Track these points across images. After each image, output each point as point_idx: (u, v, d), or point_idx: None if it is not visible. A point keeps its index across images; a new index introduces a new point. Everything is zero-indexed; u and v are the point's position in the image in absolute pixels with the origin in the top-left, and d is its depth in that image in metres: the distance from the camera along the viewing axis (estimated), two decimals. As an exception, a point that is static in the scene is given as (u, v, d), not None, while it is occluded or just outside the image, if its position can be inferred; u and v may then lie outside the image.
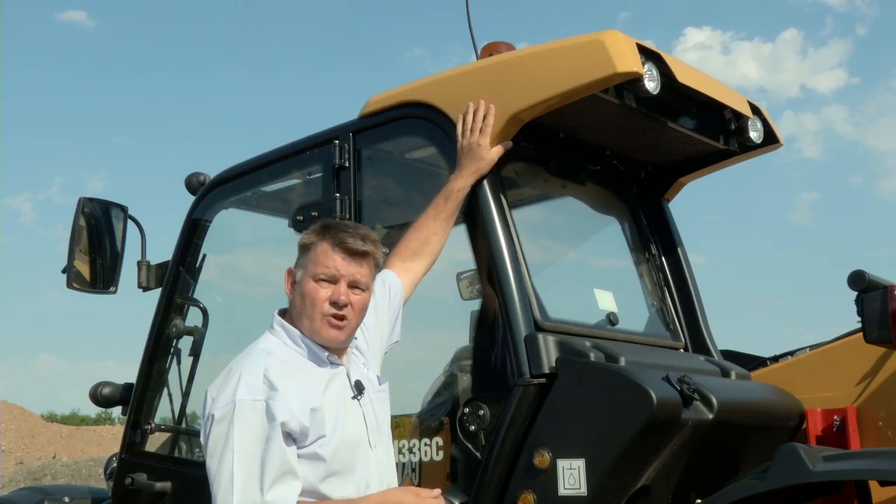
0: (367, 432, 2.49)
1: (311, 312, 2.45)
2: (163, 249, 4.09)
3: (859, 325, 3.26)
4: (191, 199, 3.98)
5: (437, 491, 2.40)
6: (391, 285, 2.91)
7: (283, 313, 2.56)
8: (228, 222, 4.00)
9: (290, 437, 2.32)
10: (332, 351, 2.50)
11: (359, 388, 2.53)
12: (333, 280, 2.46)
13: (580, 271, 3.92)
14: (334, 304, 2.45)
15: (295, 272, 2.53)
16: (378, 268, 2.59)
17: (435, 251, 3.07)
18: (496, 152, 3.06)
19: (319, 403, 2.37)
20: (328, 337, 2.46)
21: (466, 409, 3.00)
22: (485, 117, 3.04)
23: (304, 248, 2.52)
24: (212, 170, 4.06)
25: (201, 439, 2.39)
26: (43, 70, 57.84)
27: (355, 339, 2.64)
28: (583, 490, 2.66)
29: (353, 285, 2.47)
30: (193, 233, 3.91)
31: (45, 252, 55.79)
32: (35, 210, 62.26)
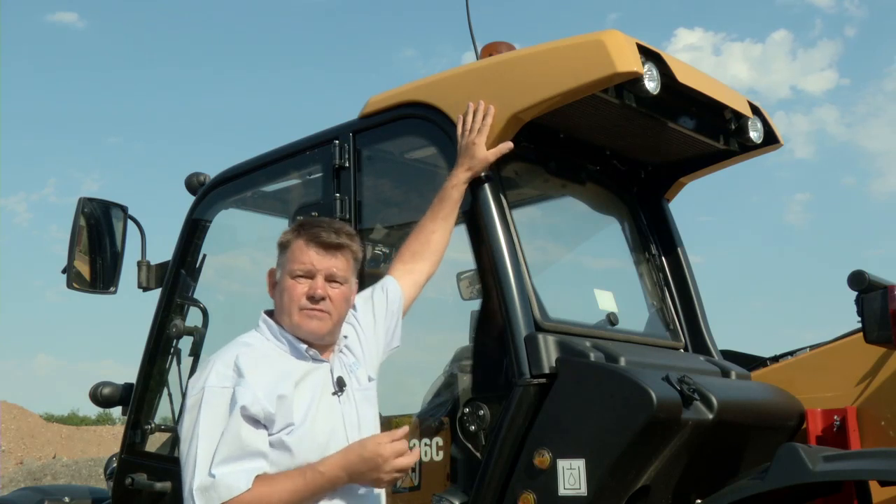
0: (344, 429, 2.48)
1: (289, 308, 2.48)
2: (163, 249, 4.10)
3: (859, 325, 3.27)
4: (190, 199, 3.98)
5: (401, 431, 2.37)
6: (390, 291, 2.90)
7: (271, 314, 2.58)
8: (228, 222, 4.00)
9: (256, 422, 2.33)
10: (313, 346, 2.51)
11: (339, 385, 2.53)
12: (310, 275, 2.49)
13: (580, 271, 3.92)
14: (311, 298, 2.47)
15: (275, 272, 2.57)
16: (357, 261, 2.61)
17: (436, 251, 3.06)
18: (491, 152, 3.06)
19: (289, 393, 2.38)
20: (308, 329, 2.48)
21: (466, 409, 3.00)
22: (484, 117, 3.04)
23: (282, 247, 2.56)
24: (206, 169, 4.07)
25: (177, 428, 2.41)
26: (35, 71, 57.87)
27: (346, 337, 2.64)
28: (583, 490, 2.66)
29: (330, 279, 2.50)
30: (193, 233, 3.91)
31: (41, 253, 55.82)
32: (30, 210, 62.29)
